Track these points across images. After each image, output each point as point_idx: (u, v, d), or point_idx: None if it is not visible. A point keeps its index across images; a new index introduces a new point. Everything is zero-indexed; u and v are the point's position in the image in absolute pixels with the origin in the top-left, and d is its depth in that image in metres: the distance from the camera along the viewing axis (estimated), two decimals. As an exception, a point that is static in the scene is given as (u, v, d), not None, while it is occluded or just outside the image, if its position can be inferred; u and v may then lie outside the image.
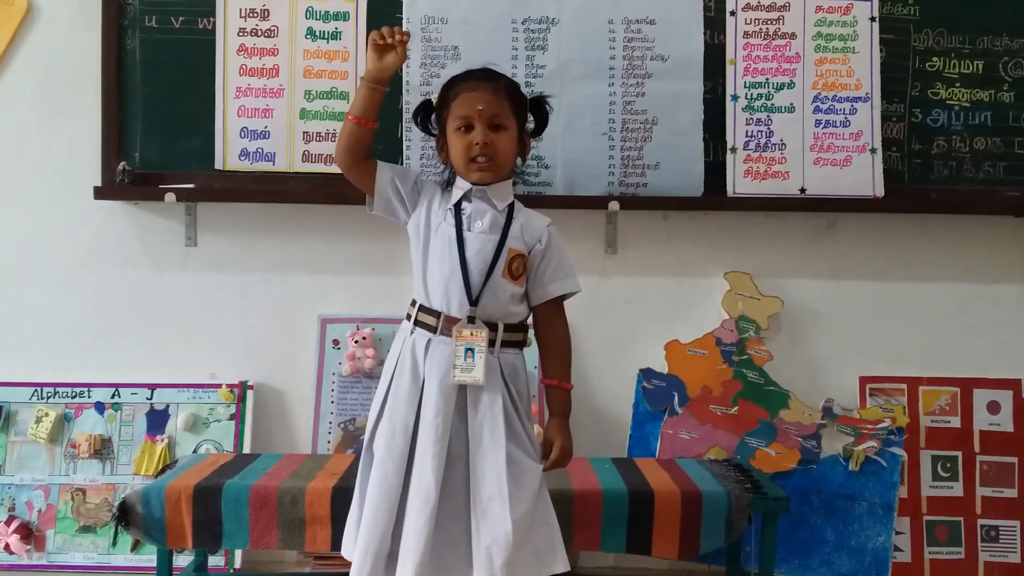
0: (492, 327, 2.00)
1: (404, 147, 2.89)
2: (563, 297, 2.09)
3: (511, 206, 2.07)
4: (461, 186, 2.05)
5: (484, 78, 2.06)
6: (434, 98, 2.10)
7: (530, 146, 2.13)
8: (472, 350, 1.97)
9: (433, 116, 2.11)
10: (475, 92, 2.02)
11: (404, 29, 1.96)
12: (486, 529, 1.93)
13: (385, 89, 2.04)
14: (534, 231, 2.06)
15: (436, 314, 2.01)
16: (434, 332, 2.00)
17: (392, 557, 1.94)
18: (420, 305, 2.04)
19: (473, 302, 1.99)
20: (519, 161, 2.12)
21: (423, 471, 1.93)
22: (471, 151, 1.99)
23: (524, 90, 2.15)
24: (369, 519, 1.95)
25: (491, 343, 1.99)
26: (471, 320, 1.99)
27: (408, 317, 2.06)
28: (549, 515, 2.01)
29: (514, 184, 2.11)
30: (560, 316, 2.10)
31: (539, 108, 2.13)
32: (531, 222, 2.07)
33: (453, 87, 2.06)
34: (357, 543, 1.96)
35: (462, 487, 1.96)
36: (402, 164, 2.89)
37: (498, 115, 2.01)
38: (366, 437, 2.04)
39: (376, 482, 1.97)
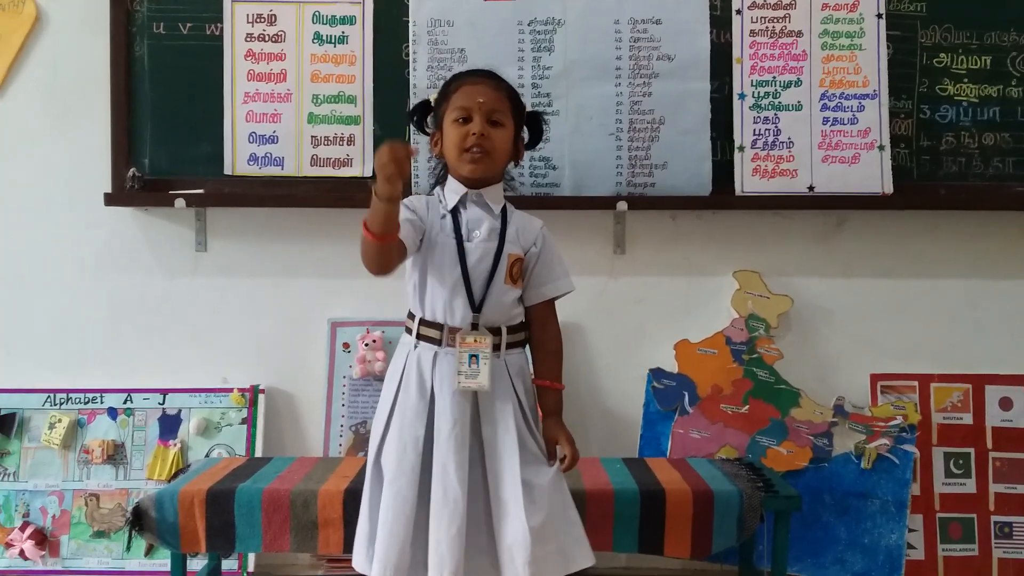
0: (495, 332, 2.01)
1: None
2: (556, 297, 2.10)
3: (504, 209, 2.07)
4: (456, 190, 2.05)
5: (488, 76, 2.08)
6: (434, 98, 2.11)
7: (522, 153, 2.13)
8: (476, 356, 1.97)
9: (430, 116, 2.11)
10: (477, 86, 2.03)
11: (412, 146, 1.85)
12: (508, 530, 1.94)
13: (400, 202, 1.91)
14: (529, 234, 2.07)
15: (439, 326, 2.01)
16: (439, 344, 2.00)
17: (414, 568, 1.95)
18: (421, 319, 2.03)
19: (476, 309, 1.99)
20: (511, 166, 2.12)
21: (448, 483, 1.93)
22: (467, 141, 1.99)
23: (527, 93, 2.14)
24: (386, 535, 1.94)
25: (495, 347, 1.99)
26: (475, 327, 1.99)
27: (408, 331, 2.06)
28: (571, 511, 2.02)
29: (505, 191, 2.11)
30: (553, 316, 2.11)
31: (535, 122, 2.14)
32: (525, 225, 2.08)
33: (455, 81, 2.08)
34: (374, 559, 1.96)
35: (482, 492, 1.97)
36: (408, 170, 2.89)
37: (497, 111, 2.02)
38: (371, 452, 2.03)
39: (390, 498, 1.96)
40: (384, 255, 1.93)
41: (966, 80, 2.95)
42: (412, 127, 2.17)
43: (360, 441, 2.92)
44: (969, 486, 2.95)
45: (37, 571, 2.89)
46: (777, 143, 2.91)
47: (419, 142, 2.80)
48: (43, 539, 2.90)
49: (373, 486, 2.02)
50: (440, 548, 1.92)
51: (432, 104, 2.10)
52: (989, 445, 2.96)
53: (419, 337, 2.03)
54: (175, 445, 2.94)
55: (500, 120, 2.02)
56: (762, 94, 2.91)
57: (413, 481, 1.95)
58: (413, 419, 1.98)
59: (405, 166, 1.81)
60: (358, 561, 2.03)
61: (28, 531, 2.88)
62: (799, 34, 2.92)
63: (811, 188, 2.90)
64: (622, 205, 2.88)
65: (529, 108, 2.15)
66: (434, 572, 1.92)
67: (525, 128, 2.13)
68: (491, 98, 2.02)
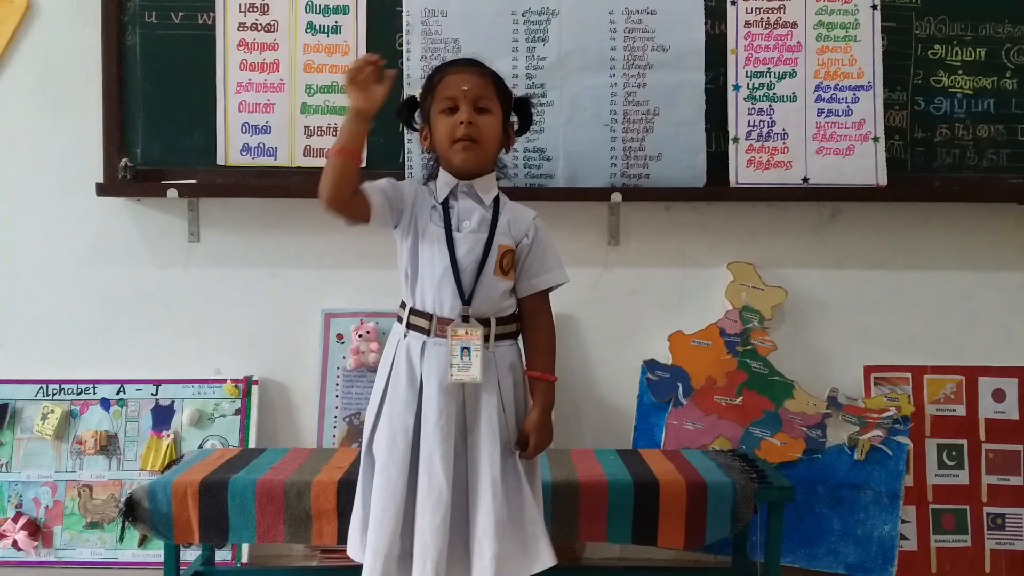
0: (485, 323, 2.00)
1: (405, 141, 2.88)
2: (549, 289, 2.09)
3: (496, 200, 2.06)
4: (447, 181, 2.04)
5: (471, 63, 2.06)
6: (419, 93, 2.10)
7: (513, 139, 2.12)
8: (468, 348, 1.97)
9: (417, 111, 2.10)
10: (461, 74, 2.02)
11: (375, 57, 1.93)
12: (480, 522, 1.95)
13: (371, 123, 1.98)
14: (521, 225, 2.06)
15: (428, 316, 2.00)
16: (428, 334, 2.00)
17: (403, 557, 1.96)
18: (411, 308, 2.03)
19: (466, 301, 1.99)
20: (503, 153, 2.11)
21: (433, 472, 1.94)
22: (456, 131, 1.98)
23: (521, 84, 2.13)
24: (376, 523, 1.96)
25: (485, 339, 1.99)
26: (465, 319, 1.99)
27: (399, 320, 2.06)
28: (535, 511, 2.01)
29: (498, 179, 2.10)
30: (545, 307, 2.10)
31: (524, 108, 2.13)
32: (517, 216, 2.07)
33: (439, 73, 2.06)
34: (367, 546, 1.97)
35: (462, 482, 1.98)
36: (403, 159, 2.89)
37: (483, 97, 2.00)
38: (364, 440, 2.04)
39: (380, 486, 1.97)
40: (338, 172, 1.94)
41: (960, 72, 2.95)
42: (403, 125, 2.15)
43: (354, 432, 2.92)
44: (962, 477, 2.95)
45: (30, 562, 2.89)
46: (772, 135, 2.90)
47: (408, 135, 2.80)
48: (36, 530, 2.89)
49: (366, 474, 2.03)
50: (424, 537, 1.93)
51: (418, 99, 2.09)
52: (982, 437, 2.97)
53: (409, 326, 2.03)
54: (168, 436, 2.93)
55: (487, 106, 2.01)
56: (757, 85, 2.91)
57: (403, 470, 1.96)
58: (403, 408, 1.99)
59: (368, 79, 1.91)
60: (353, 548, 2.04)
61: (21, 522, 2.87)
62: (794, 25, 2.91)
63: (805, 180, 2.90)
64: (616, 196, 2.87)
65: (524, 92, 2.14)
66: (418, 560, 1.93)
67: (515, 114, 2.11)
68: (476, 84, 2.00)
